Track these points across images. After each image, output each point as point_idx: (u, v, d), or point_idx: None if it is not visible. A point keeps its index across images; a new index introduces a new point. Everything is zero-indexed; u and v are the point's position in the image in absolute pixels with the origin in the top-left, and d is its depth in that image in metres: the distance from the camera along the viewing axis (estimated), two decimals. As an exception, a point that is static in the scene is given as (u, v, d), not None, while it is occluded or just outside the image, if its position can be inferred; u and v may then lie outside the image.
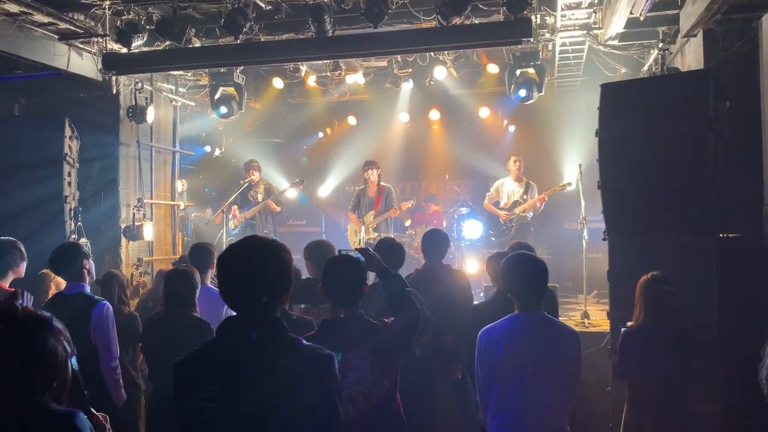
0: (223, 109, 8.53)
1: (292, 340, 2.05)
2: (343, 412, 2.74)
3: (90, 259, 4.24)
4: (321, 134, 12.07)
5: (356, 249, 3.15)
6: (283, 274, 2.07)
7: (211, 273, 4.83)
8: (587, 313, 6.98)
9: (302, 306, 4.34)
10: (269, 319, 2.03)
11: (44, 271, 4.94)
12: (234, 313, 2.07)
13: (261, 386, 1.94)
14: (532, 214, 8.60)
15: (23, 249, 4.31)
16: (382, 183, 8.84)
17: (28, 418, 1.76)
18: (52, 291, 4.75)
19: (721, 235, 4.87)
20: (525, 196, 8.55)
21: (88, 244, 5.96)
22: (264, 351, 1.98)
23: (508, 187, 8.72)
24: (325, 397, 1.99)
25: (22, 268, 4.33)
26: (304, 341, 2.07)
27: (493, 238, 8.68)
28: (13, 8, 6.22)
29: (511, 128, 10.95)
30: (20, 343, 1.78)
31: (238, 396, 1.93)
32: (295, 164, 11.78)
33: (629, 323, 4.06)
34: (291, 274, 2.11)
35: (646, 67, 7.78)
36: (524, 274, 3.14)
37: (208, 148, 11.98)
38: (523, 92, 7.68)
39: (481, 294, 7.59)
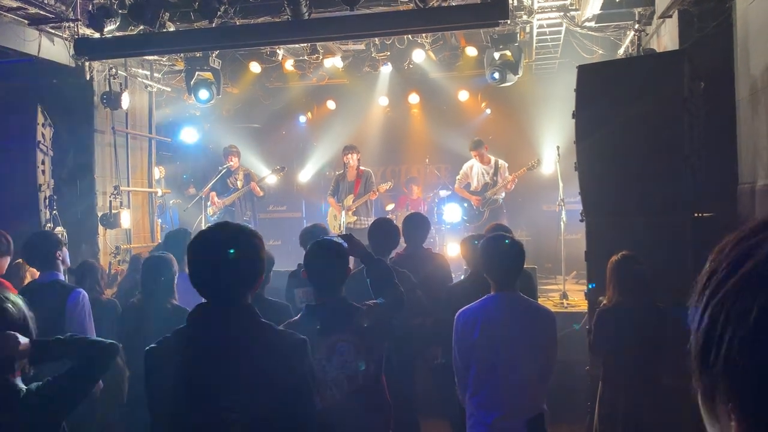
0: (204, 95, 8.41)
1: (265, 326, 2.04)
2: (329, 396, 2.77)
3: (64, 248, 4.19)
4: (303, 118, 11.97)
5: (339, 234, 3.15)
6: (255, 261, 2.06)
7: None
8: (566, 294, 7.06)
9: (303, 289, 4.32)
10: (241, 306, 2.02)
11: (19, 260, 4.87)
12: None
13: (234, 373, 1.93)
14: (503, 194, 8.61)
15: (10, 240, 4.26)
16: (361, 167, 8.81)
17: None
18: (27, 280, 4.69)
19: (696, 214, 4.93)
20: (495, 178, 8.54)
21: (65, 233, 5.90)
22: (236, 338, 1.97)
23: (476, 170, 8.70)
24: (298, 383, 1.99)
25: (7, 259, 4.28)
26: (277, 327, 2.06)
27: (467, 224, 8.66)
28: (-20, -8, 6.08)
29: (487, 111, 10.95)
30: None
31: (210, 383, 1.92)
32: (273, 149, 11.69)
33: (601, 298, 4.12)
34: (263, 261, 2.10)
35: (622, 49, 7.82)
36: (500, 255, 3.16)
37: (187, 134, 11.83)
38: (496, 75, 7.69)
39: (462, 277, 7.62)
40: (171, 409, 1.93)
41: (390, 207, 10.28)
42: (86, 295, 4.05)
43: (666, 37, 6.60)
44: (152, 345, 2.04)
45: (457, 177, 8.89)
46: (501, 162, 8.62)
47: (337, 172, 9.18)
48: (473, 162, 8.75)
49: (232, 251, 1.99)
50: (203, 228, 7.36)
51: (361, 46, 9.00)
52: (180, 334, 2.05)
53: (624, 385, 3.86)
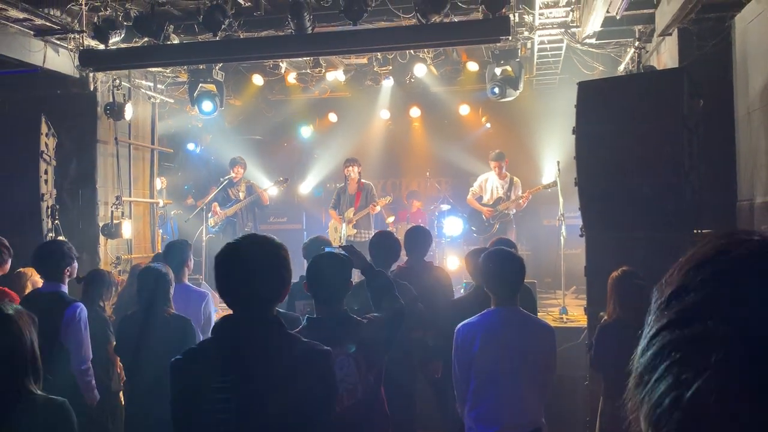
0: (207, 106, 8.45)
1: (291, 337, 2.08)
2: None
3: (74, 263, 4.20)
4: (306, 131, 12.00)
5: (340, 246, 3.16)
6: (283, 274, 2.09)
7: (187, 271, 4.79)
8: (565, 309, 7.06)
9: (304, 302, 4.34)
10: (268, 318, 2.05)
11: (21, 269, 4.88)
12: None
13: (261, 383, 1.96)
14: (515, 210, 8.66)
15: (9, 247, 4.28)
16: (362, 180, 8.85)
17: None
18: (29, 290, 4.69)
19: (695, 231, 4.96)
20: (509, 193, 8.60)
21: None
22: (264, 349, 2.00)
23: (491, 183, 8.74)
24: (323, 392, 2.04)
25: (7, 266, 4.31)
26: (302, 338, 2.09)
27: (476, 234, 8.72)
28: (-13, 3, 6.14)
29: (487, 125, 11.00)
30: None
31: (238, 394, 1.95)
32: (275, 161, 11.74)
33: (601, 314, 4.14)
34: (290, 272, 2.13)
35: (622, 66, 7.88)
36: (501, 270, 3.18)
37: (191, 146, 11.92)
38: (496, 90, 7.75)
39: (462, 290, 7.64)
40: (198, 419, 1.96)
41: (390, 219, 10.31)
42: (84, 309, 4.05)
43: (666, 55, 6.66)
44: (178, 356, 2.06)
45: (472, 189, 8.89)
46: (516, 178, 8.67)
47: (338, 185, 9.21)
48: (489, 175, 8.78)
49: (262, 264, 2.02)
50: (204, 238, 7.33)
51: (364, 60, 9.07)
52: (206, 344, 2.09)
53: (625, 400, 3.86)
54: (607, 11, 6.04)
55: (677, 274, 0.66)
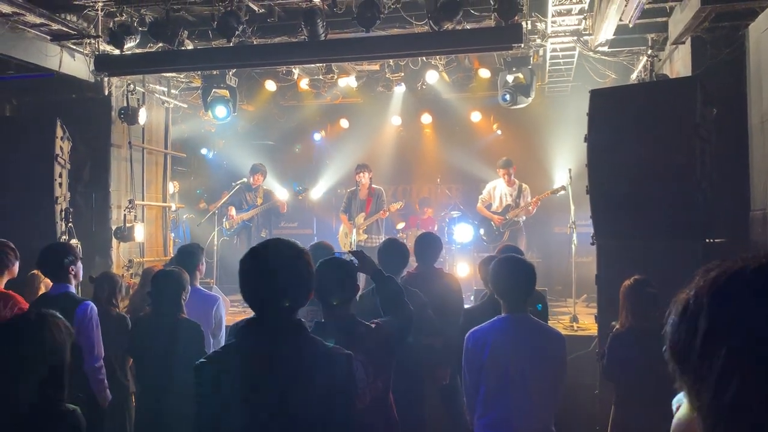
0: (221, 112, 8.49)
1: (313, 340, 2.10)
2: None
3: (78, 262, 4.23)
4: (318, 136, 12.03)
5: (350, 251, 3.17)
6: (306, 278, 2.12)
7: (199, 275, 4.81)
8: (576, 317, 7.03)
9: (307, 308, 4.35)
10: (292, 322, 2.08)
11: (34, 272, 4.93)
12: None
13: (285, 387, 1.98)
14: (524, 217, 8.64)
15: (15, 249, 4.32)
16: (373, 185, 8.87)
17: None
18: (41, 291, 4.74)
19: (707, 240, 4.93)
20: (518, 200, 8.59)
21: (79, 246, 5.95)
22: (286, 353, 2.02)
23: (500, 191, 8.74)
24: (344, 395, 2.07)
25: (16, 267, 4.34)
26: (324, 342, 2.11)
27: (486, 243, 8.71)
28: (6, 9, 6.22)
29: (498, 132, 10.99)
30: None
31: (262, 397, 1.97)
32: (287, 166, 11.79)
33: (613, 323, 4.12)
34: (312, 276, 2.16)
35: (635, 74, 7.86)
36: (511, 277, 3.18)
37: (204, 151, 12.00)
38: (507, 97, 7.76)
39: (471, 297, 7.63)
40: (222, 422, 1.98)
41: (400, 226, 10.32)
42: (95, 307, 4.09)
43: (679, 63, 6.64)
44: (202, 360, 2.09)
45: (481, 197, 8.89)
46: (524, 185, 8.66)
47: (349, 190, 9.24)
48: (497, 182, 8.78)
49: (287, 270, 2.05)
50: (216, 242, 7.36)
51: (376, 67, 9.10)
52: (230, 348, 2.12)
53: (637, 409, 3.84)
54: (620, 19, 6.04)
55: None
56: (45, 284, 4.85)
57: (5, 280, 4.26)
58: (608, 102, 5.32)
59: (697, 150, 4.81)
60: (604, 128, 5.19)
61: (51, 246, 4.37)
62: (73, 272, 4.15)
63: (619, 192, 5.09)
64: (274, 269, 2.05)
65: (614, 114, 5.24)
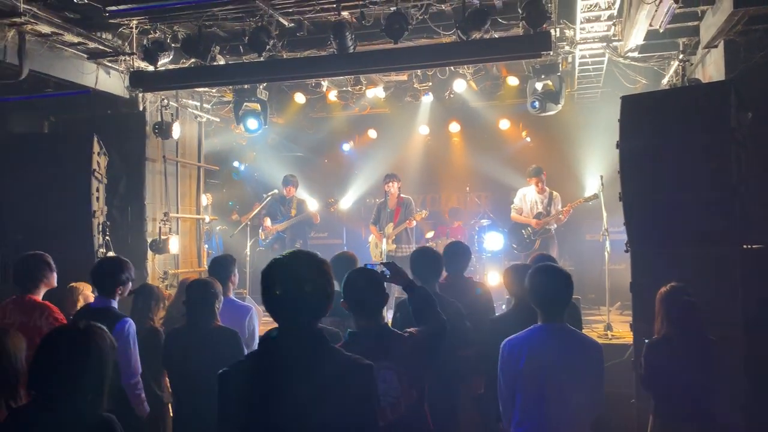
0: (253, 124, 8.62)
1: (334, 350, 2.13)
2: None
3: (130, 283, 4.29)
4: (347, 146, 12.11)
5: (381, 263, 3.19)
6: (326, 288, 2.14)
7: (232, 285, 4.85)
8: (610, 325, 6.95)
9: (329, 319, 4.38)
10: (313, 332, 2.11)
11: (73, 284, 5.04)
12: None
13: (306, 396, 2.00)
14: (555, 225, 8.57)
15: (51, 261, 4.43)
16: (401, 195, 8.90)
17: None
18: (80, 304, 4.82)
19: (744, 246, 4.84)
20: (549, 208, 8.52)
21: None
22: (308, 363, 2.05)
23: (531, 198, 8.68)
24: (366, 406, 2.09)
25: (53, 278, 4.44)
26: (344, 352, 2.14)
27: (516, 251, 8.64)
28: (45, 29, 6.42)
29: (527, 139, 10.93)
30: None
31: (284, 406, 1.99)
32: (316, 177, 11.89)
33: (654, 337, 4.06)
34: (333, 287, 2.17)
35: (666, 79, 7.77)
36: (550, 286, 3.16)
37: (236, 164, 12.18)
38: (537, 104, 7.73)
39: (503, 306, 7.58)
40: (244, 430, 2.01)
41: (429, 235, 10.31)
42: (133, 324, 4.13)
43: (711, 67, 6.55)
44: (225, 368, 2.12)
45: (513, 206, 8.81)
46: (555, 193, 8.58)
47: (378, 201, 9.28)
48: (527, 190, 8.71)
49: (308, 282, 2.07)
50: (248, 253, 7.45)
51: (404, 77, 9.15)
52: (253, 357, 2.15)
53: (678, 420, 3.78)
54: (650, 25, 5.98)
55: None
56: (84, 297, 4.96)
57: (43, 291, 4.37)
58: (640, 108, 5.28)
59: (733, 155, 4.73)
60: (637, 134, 5.14)
61: (111, 259, 4.44)
62: (120, 291, 4.22)
63: (653, 199, 5.04)
64: (294, 280, 2.07)
65: (647, 120, 5.20)
